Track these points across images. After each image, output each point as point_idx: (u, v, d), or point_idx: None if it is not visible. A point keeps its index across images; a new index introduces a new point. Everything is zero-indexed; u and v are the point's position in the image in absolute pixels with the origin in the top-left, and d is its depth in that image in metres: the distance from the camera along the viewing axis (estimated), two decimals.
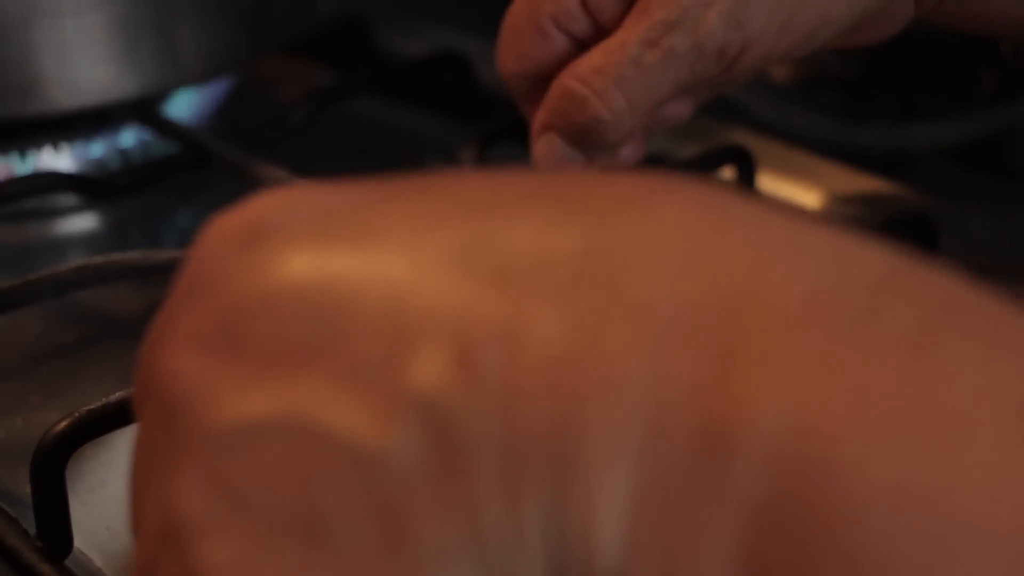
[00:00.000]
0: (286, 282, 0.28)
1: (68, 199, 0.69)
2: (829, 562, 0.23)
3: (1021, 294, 0.27)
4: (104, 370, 0.58)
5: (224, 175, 0.69)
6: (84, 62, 0.67)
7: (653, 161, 0.68)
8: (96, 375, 0.57)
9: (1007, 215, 0.62)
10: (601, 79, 0.52)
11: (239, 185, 0.67)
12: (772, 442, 0.24)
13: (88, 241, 0.68)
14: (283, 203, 0.30)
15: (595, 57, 0.52)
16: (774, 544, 0.24)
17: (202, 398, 0.28)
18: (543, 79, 0.55)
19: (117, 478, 0.52)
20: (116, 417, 0.47)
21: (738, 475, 0.24)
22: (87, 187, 0.69)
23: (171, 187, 0.71)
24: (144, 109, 0.71)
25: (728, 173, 0.64)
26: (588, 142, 0.53)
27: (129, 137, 0.72)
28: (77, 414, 0.46)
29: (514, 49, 0.55)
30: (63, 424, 0.46)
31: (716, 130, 0.69)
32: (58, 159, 0.71)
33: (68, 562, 0.46)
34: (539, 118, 0.54)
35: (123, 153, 0.72)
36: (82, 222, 0.69)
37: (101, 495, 0.51)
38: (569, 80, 0.53)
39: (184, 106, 0.75)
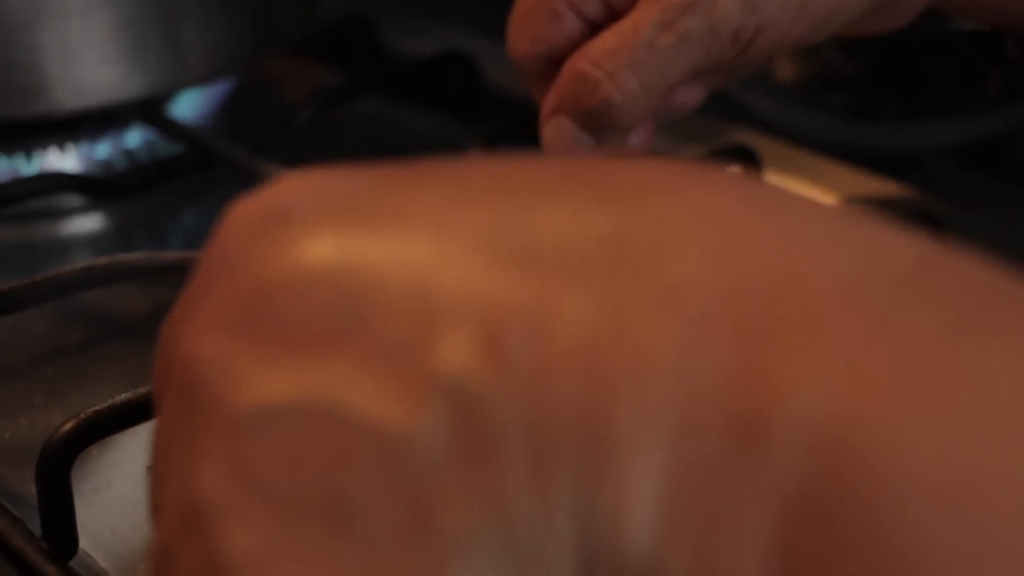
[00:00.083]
0: (310, 265, 0.28)
1: (73, 200, 0.69)
2: (868, 551, 0.23)
3: None
4: (110, 371, 0.58)
5: (229, 176, 0.69)
6: (89, 63, 0.67)
7: None
8: (102, 376, 0.57)
9: (1012, 215, 0.62)
10: (614, 61, 0.51)
11: (244, 186, 0.66)
12: (809, 429, 0.24)
13: (93, 242, 0.68)
14: (305, 186, 0.30)
15: (608, 39, 0.52)
16: (811, 533, 0.23)
17: (225, 380, 0.28)
18: (555, 62, 0.54)
19: (122, 479, 0.52)
20: (122, 418, 0.47)
21: (774, 462, 0.24)
22: (92, 188, 0.69)
23: (176, 188, 0.71)
24: (149, 109, 0.71)
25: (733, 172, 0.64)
26: (599, 125, 0.53)
27: (134, 138, 0.72)
28: (83, 415, 0.46)
29: (526, 31, 0.55)
30: (68, 425, 0.46)
31: (721, 130, 0.69)
32: (63, 160, 0.71)
33: (73, 563, 0.46)
34: (550, 100, 0.54)
35: (128, 154, 0.72)
36: (87, 223, 0.69)
37: (106, 496, 0.51)
38: (582, 62, 0.52)
39: (189, 106, 0.75)
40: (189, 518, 0.27)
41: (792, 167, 0.66)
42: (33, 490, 0.46)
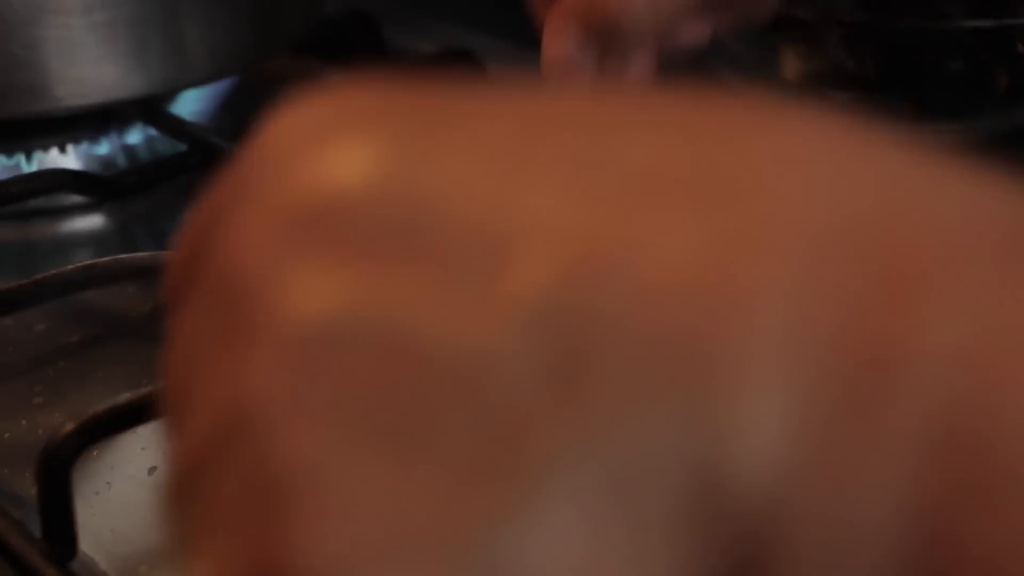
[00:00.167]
0: (371, 176, 0.26)
1: (74, 199, 0.69)
2: (1007, 497, 0.22)
3: None
4: (110, 371, 0.57)
5: None
6: (91, 61, 0.67)
7: None
8: (102, 376, 0.57)
9: None
10: None
11: None
12: (947, 376, 0.23)
13: (94, 241, 0.68)
14: (364, 96, 0.28)
15: None
16: (946, 482, 0.23)
17: (280, 288, 0.25)
18: None
19: (123, 480, 0.51)
20: (123, 419, 0.47)
21: (908, 407, 0.23)
22: (93, 187, 0.69)
23: (178, 186, 0.70)
24: (151, 108, 0.71)
25: None
26: (604, 43, 0.51)
27: (136, 136, 0.72)
28: (83, 416, 0.46)
29: None
30: (69, 426, 0.46)
31: None
32: (64, 158, 0.70)
33: (73, 565, 0.46)
34: (554, 16, 0.52)
35: (129, 152, 0.72)
36: (88, 221, 0.69)
37: (107, 497, 0.51)
38: None
39: (191, 105, 0.75)
40: (232, 425, 0.25)
41: None
42: (33, 491, 0.46)
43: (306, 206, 0.26)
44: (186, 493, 0.26)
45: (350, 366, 0.24)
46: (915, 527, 0.23)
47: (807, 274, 0.23)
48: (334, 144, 0.26)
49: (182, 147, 0.71)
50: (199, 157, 0.70)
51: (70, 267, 0.57)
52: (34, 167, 0.70)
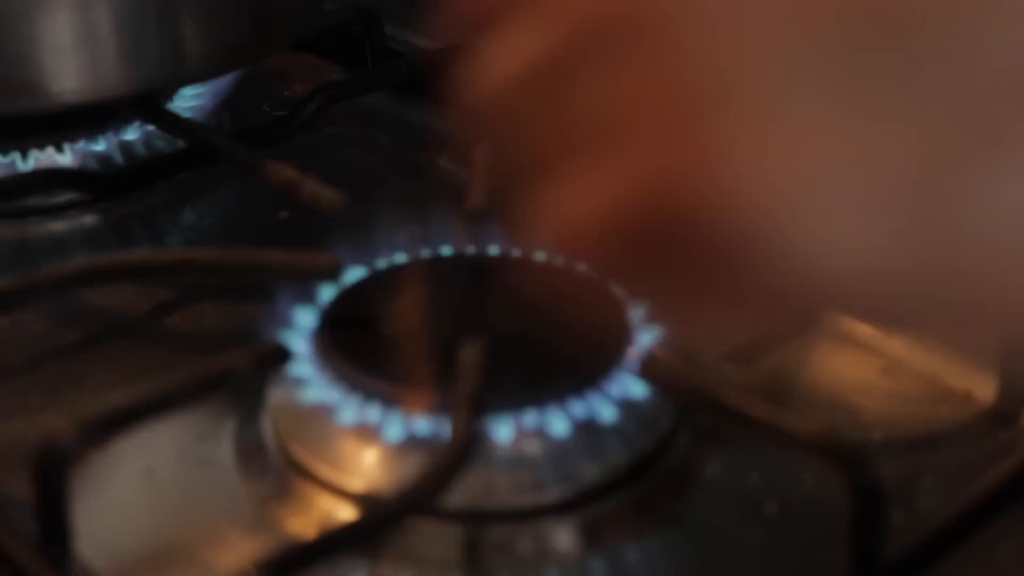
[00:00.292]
0: None
1: (71, 196, 0.68)
2: None
3: None
4: (108, 372, 0.57)
5: (231, 172, 0.68)
6: (88, 57, 0.66)
7: None
8: (100, 377, 0.57)
9: None
10: None
11: (246, 182, 0.67)
12: None
13: (91, 239, 0.67)
14: None
15: None
16: None
17: None
18: None
19: (119, 481, 0.51)
20: (120, 420, 0.47)
21: None
22: (90, 184, 0.68)
23: (177, 184, 0.70)
24: (149, 105, 0.70)
25: None
26: None
27: (134, 133, 0.71)
28: (80, 418, 0.46)
29: None
30: (66, 427, 0.46)
31: None
32: (61, 156, 0.70)
33: (70, 567, 0.45)
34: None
35: (127, 150, 0.71)
36: (85, 220, 0.68)
37: (104, 499, 0.50)
38: None
39: (190, 102, 0.74)
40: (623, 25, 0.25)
41: None
42: (29, 493, 0.45)
43: None
44: (531, 90, 0.25)
45: None
46: None
47: None
48: None
49: (180, 144, 0.70)
50: (198, 155, 0.69)
51: (67, 266, 0.57)
52: (30, 165, 0.69)
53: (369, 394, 0.50)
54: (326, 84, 0.74)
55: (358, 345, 0.52)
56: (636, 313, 0.54)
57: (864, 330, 0.59)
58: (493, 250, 0.58)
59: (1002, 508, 0.48)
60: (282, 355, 0.51)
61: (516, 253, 0.57)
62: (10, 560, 0.45)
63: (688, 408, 0.52)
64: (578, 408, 0.50)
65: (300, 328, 0.54)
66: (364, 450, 0.49)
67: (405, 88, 0.77)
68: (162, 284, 0.61)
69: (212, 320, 0.60)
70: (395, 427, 0.49)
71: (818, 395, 0.55)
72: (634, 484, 0.49)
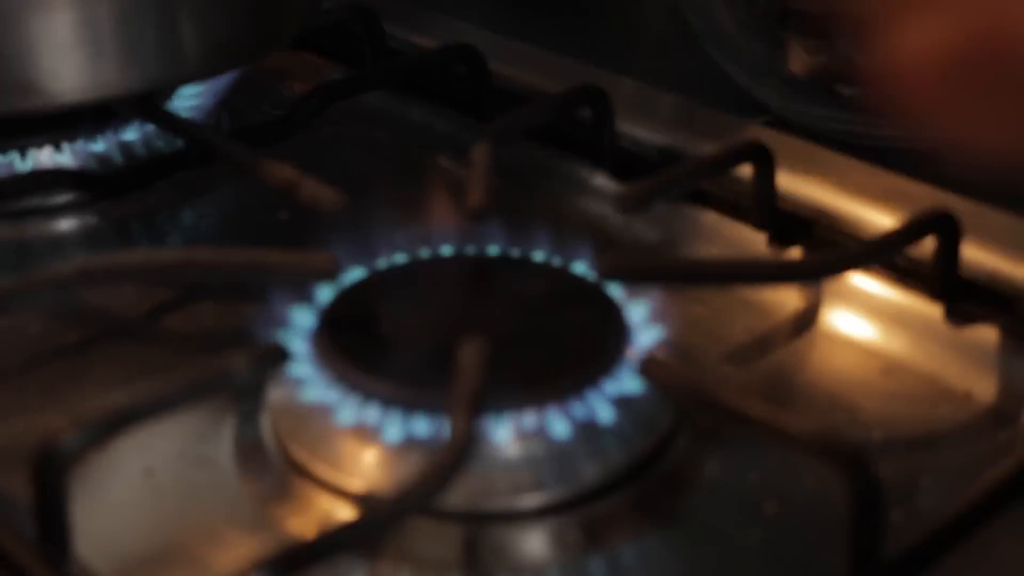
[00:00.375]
0: None
1: (69, 197, 0.68)
2: None
3: None
4: (106, 372, 0.57)
5: (230, 172, 0.68)
6: (86, 57, 0.66)
7: (669, 157, 0.67)
8: (98, 377, 0.57)
9: None
10: None
11: (245, 182, 0.67)
12: None
13: (90, 240, 0.67)
14: None
15: None
16: None
17: None
18: None
19: (119, 482, 0.51)
20: (119, 421, 0.47)
21: None
22: (89, 184, 0.68)
23: (176, 184, 0.70)
24: (148, 104, 0.70)
25: (747, 170, 0.63)
26: None
27: (132, 133, 0.71)
28: (79, 418, 0.46)
29: None
30: (65, 428, 0.45)
31: (734, 126, 0.68)
32: (60, 156, 0.70)
33: (68, 567, 0.45)
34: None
35: (126, 149, 0.71)
36: (84, 220, 0.68)
37: (102, 499, 0.50)
38: None
39: (189, 101, 0.74)
40: None
41: (807, 163, 0.65)
42: (28, 494, 0.45)
43: None
44: None
45: None
46: None
47: None
48: None
49: (179, 144, 0.70)
50: (197, 154, 0.69)
51: (65, 266, 0.56)
52: (29, 165, 0.69)
53: (368, 394, 0.50)
54: (325, 83, 0.74)
55: (357, 345, 0.52)
56: (635, 313, 0.54)
57: (864, 330, 0.59)
58: (493, 250, 0.58)
59: (1002, 508, 0.48)
60: (281, 355, 0.51)
61: (516, 253, 0.57)
62: (10, 560, 0.45)
63: (687, 408, 0.52)
64: (577, 408, 0.50)
65: (299, 328, 0.54)
66: (363, 450, 0.49)
67: (405, 87, 0.77)
68: (162, 284, 0.61)
69: (212, 320, 0.60)
70: (394, 427, 0.49)
71: (817, 395, 0.55)
72: (633, 484, 0.49)
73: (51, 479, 0.45)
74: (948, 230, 0.57)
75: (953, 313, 0.57)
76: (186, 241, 0.67)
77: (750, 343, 0.58)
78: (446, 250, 0.58)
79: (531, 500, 0.48)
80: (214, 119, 0.75)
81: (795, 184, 0.64)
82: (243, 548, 0.48)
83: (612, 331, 0.52)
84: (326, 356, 0.51)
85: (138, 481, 0.51)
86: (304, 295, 0.55)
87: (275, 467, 0.51)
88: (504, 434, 0.49)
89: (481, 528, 0.48)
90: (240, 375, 0.49)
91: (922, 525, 0.47)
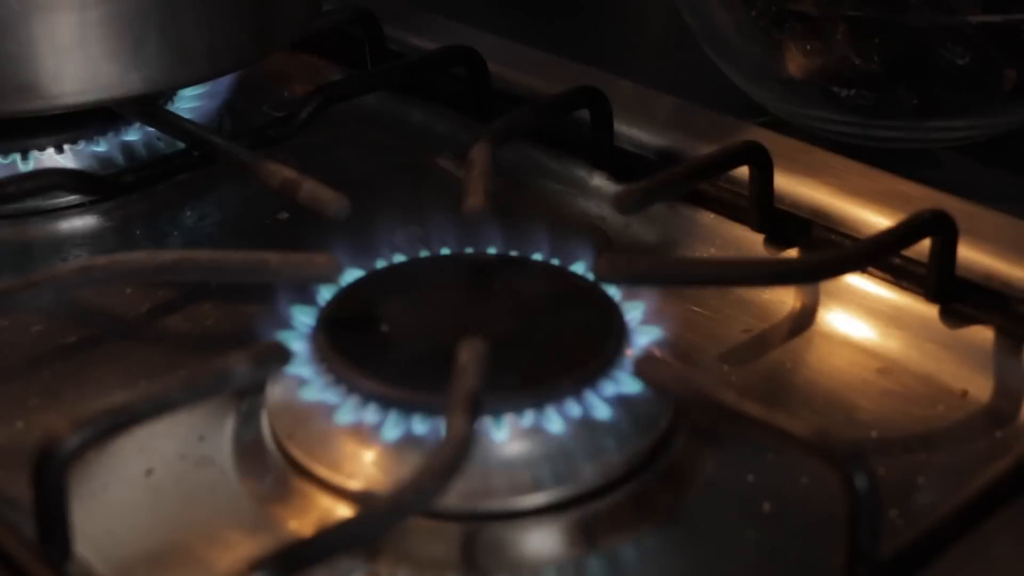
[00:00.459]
0: None
1: (71, 198, 0.68)
2: None
3: None
4: (107, 372, 0.57)
5: (231, 173, 0.69)
6: (88, 59, 0.66)
7: (668, 159, 0.67)
8: (99, 377, 0.57)
9: None
10: None
11: (246, 183, 0.67)
12: None
13: (91, 240, 0.67)
14: None
15: None
16: None
17: None
18: None
19: (119, 483, 0.51)
20: (119, 420, 0.47)
21: None
22: (91, 185, 0.68)
23: (177, 185, 0.70)
24: (149, 106, 0.71)
25: (744, 171, 0.63)
26: None
27: (134, 135, 0.71)
28: (79, 418, 0.45)
29: None
30: (65, 428, 0.45)
31: (732, 127, 0.68)
32: (62, 157, 0.70)
33: (69, 567, 0.45)
34: None
35: (128, 151, 0.71)
36: (86, 221, 0.68)
37: (103, 500, 0.50)
38: None
39: (190, 103, 0.74)
40: None
41: (804, 164, 0.65)
42: (28, 493, 0.45)
43: None
44: None
45: None
46: None
47: None
48: None
49: (181, 146, 0.70)
50: (198, 156, 0.70)
51: (67, 267, 0.56)
52: (31, 166, 0.69)
53: (367, 394, 0.50)
54: (325, 85, 0.74)
55: (357, 345, 0.52)
56: (632, 313, 0.54)
57: (860, 329, 0.59)
58: (492, 251, 0.58)
59: (998, 507, 0.48)
60: (281, 355, 0.51)
61: (514, 254, 0.58)
62: (10, 560, 0.45)
63: (685, 408, 0.52)
64: (575, 408, 0.50)
65: (299, 328, 0.54)
66: (362, 450, 0.49)
67: (404, 89, 0.77)
68: (162, 284, 0.61)
69: (212, 320, 0.60)
70: (393, 427, 0.49)
71: (815, 395, 0.55)
72: (631, 484, 0.50)
73: (51, 479, 0.45)
74: (944, 231, 0.58)
75: (949, 313, 0.58)
76: (187, 242, 0.67)
77: (747, 343, 0.58)
78: (445, 251, 0.58)
79: (529, 500, 0.48)
80: (215, 121, 0.75)
81: (792, 185, 0.64)
82: (243, 548, 0.48)
83: (610, 331, 0.52)
84: (325, 356, 0.51)
85: (138, 481, 0.51)
86: (304, 295, 0.55)
87: (275, 467, 0.51)
88: (502, 434, 0.49)
89: (479, 528, 0.48)
90: (240, 375, 0.49)
91: (918, 524, 0.47)
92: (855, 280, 0.60)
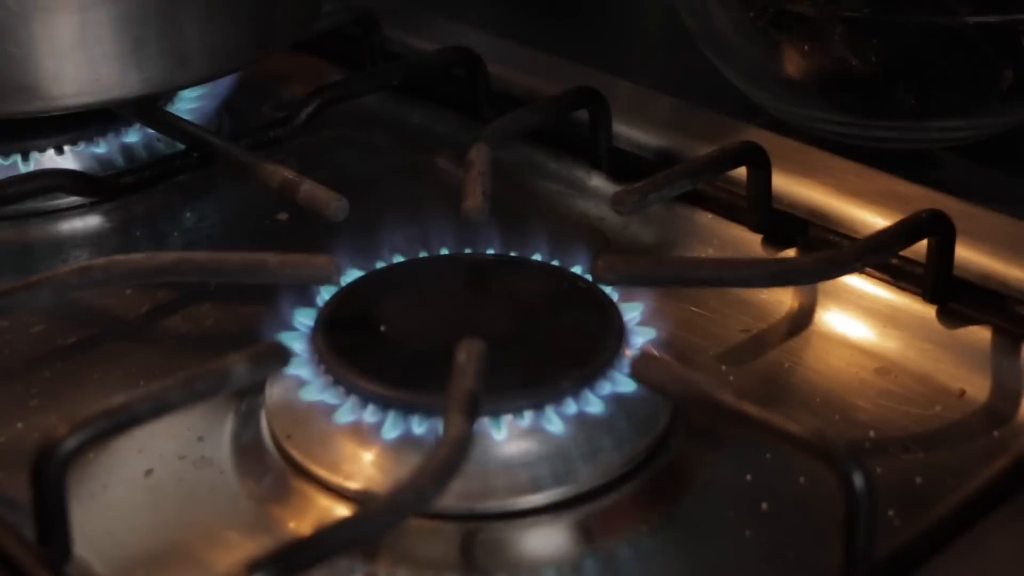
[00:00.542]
0: None
1: (71, 199, 0.68)
2: None
3: None
4: (107, 372, 0.57)
5: (230, 174, 0.69)
6: (88, 60, 0.66)
7: (666, 160, 0.67)
8: (98, 378, 0.57)
9: None
10: None
11: (245, 184, 0.67)
12: None
13: (92, 241, 0.67)
14: None
15: None
16: None
17: None
18: None
19: (119, 483, 0.51)
20: (119, 421, 0.46)
21: None
22: (91, 187, 0.68)
23: (176, 186, 0.70)
24: (149, 107, 0.71)
25: (742, 171, 0.63)
26: None
27: (134, 136, 0.72)
28: (79, 418, 0.45)
29: None
30: (64, 428, 0.45)
31: (730, 128, 0.68)
32: (62, 158, 0.70)
33: (68, 569, 0.45)
34: None
35: (127, 152, 0.71)
36: (86, 222, 0.68)
37: (102, 500, 0.50)
38: None
39: (190, 104, 0.74)
40: None
41: (802, 165, 0.65)
42: (28, 494, 0.45)
43: None
44: None
45: None
46: None
47: None
48: None
49: (180, 147, 0.70)
50: (197, 157, 0.70)
51: (66, 268, 0.56)
52: (31, 167, 0.69)
53: (366, 395, 0.50)
54: (325, 86, 0.74)
55: (356, 346, 0.52)
56: (630, 314, 0.54)
57: (858, 329, 0.59)
58: (490, 251, 0.58)
59: (996, 506, 0.48)
60: (280, 356, 0.51)
61: (513, 254, 0.58)
62: (9, 560, 0.45)
63: (683, 408, 0.52)
64: (573, 408, 0.50)
65: (298, 329, 0.54)
66: (361, 450, 0.49)
67: (404, 89, 0.77)
68: (162, 285, 0.61)
69: (211, 320, 0.61)
70: (392, 428, 0.49)
71: (812, 395, 0.55)
72: (629, 484, 0.50)
73: (50, 480, 0.45)
74: (942, 231, 0.58)
75: (947, 313, 0.58)
76: (187, 243, 0.67)
77: (745, 343, 0.59)
78: (444, 251, 0.58)
79: (528, 500, 0.48)
80: (215, 122, 0.75)
81: (790, 185, 0.64)
82: (241, 548, 0.48)
83: (608, 332, 0.53)
84: (324, 357, 0.52)
85: (137, 481, 0.51)
86: (303, 296, 0.55)
87: (274, 467, 0.51)
88: (501, 434, 0.49)
89: (478, 528, 0.48)
90: (239, 376, 0.49)
91: (916, 523, 0.47)
92: (853, 280, 0.60)
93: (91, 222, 0.68)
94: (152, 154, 0.71)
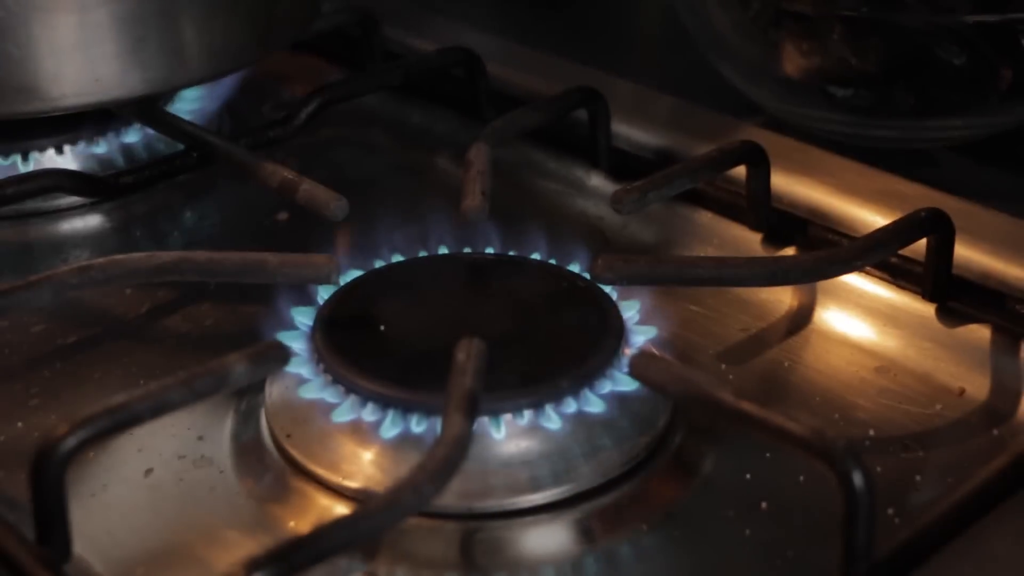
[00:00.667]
0: None
1: (71, 199, 0.68)
2: None
3: None
4: (106, 372, 0.57)
5: (230, 174, 0.69)
6: (88, 60, 0.66)
7: (665, 159, 0.68)
8: (98, 378, 0.57)
9: None
10: None
11: (245, 184, 0.67)
12: None
13: (92, 241, 0.67)
14: None
15: None
16: None
17: None
18: None
19: (118, 482, 0.51)
20: (118, 421, 0.46)
21: None
22: (91, 186, 0.68)
23: (176, 186, 0.70)
24: (149, 107, 0.71)
25: (742, 170, 0.63)
26: None
27: (134, 136, 0.72)
28: (78, 418, 0.45)
29: None
30: (64, 428, 0.45)
31: (730, 127, 0.68)
32: (62, 158, 0.70)
33: (68, 568, 0.45)
34: None
35: (127, 152, 0.71)
36: (86, 222, 0.68)
37: (102, 499, 0.50)
38: None
39: (189, 104, 0.74)
40: None
41: (802, 164, 0.65)
42: (27, 494, 0.45)
43: None
44: None
45: None
46: None
47: None
48: None
49: (180, 147, 0.70)
50: (197, 157, 0.70)
51: (66, 268, 0.56)
52: (31, 167, 0.69)
53: (366, 394, 0.50)
54: (325, 86, 0.74)
55: (356, 345, 0.52)
56: (630, 312, 0.54)
57: (858, 328, 0.59)
58: (489, 250, 0.58)
59: (995, 504, 0.48)
60: (280, 355, 0.51)
61: (512, 254, 0.58)
62: (9, 559, 0.45)
63: (682, 407, 0.52)
64: (573, 407, 0.50)
65: (298, 328, 0.54)
66: (360, 449, 0.49)
67: (403, 89, 0.77)
68: (161, 285, 0.61)
69: (211, 320, 0.61)
70: (391, 427, 0.49)
71: (812, 393, 0.55)
72: (629, 483, 0.50)
73: (50, 479, 0.45)
74: (941, 230, 0.58)
75: (946, 312, 0.58)
76: (187, 242, 0.67)
77: (745, 342, 0.59)
78: (443, 251, 0.58)
79: (528, 499, 0.48)
80: (214, 121, 0.75)
81: (790, 184, 0.64)
82: (241, 547, 0.48)
83: (607, 331, 0.53)
84: (324, 356, 0.52)
85: (137, 481, 0.51)
86: (303, 295, 0.55)
87: (273, 466, 0.51)
88: (500, 433, 0.49)
89: (478, 527, 0.48)
90: (239, 375, 0.49)
91: (915, 522, 0.47)
92: (852, 279, 0.60)
93: (91, 222, 0.68)
94: (152, 154, 0.71)
